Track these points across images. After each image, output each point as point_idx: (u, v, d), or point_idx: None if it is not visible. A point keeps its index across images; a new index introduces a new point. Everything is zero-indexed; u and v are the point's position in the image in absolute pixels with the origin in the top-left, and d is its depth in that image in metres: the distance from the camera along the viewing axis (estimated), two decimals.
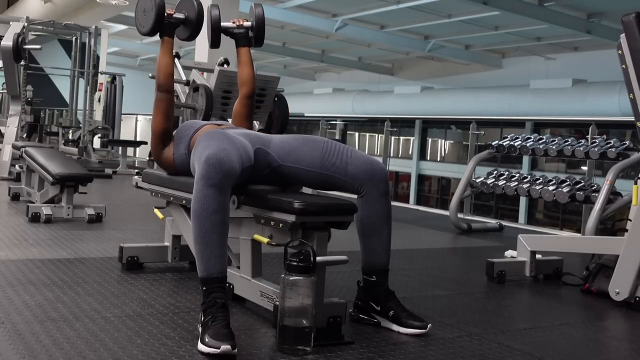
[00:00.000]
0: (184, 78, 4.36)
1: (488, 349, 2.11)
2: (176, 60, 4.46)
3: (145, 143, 9.81)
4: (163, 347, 1.90)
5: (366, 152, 2.37)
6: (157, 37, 2.65)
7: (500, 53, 19.67)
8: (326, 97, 23.81)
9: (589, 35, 14.50)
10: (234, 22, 2.83)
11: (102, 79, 11.12)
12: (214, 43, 2.81)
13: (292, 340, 1.91)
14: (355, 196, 2.26)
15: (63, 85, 12.33)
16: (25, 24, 7.68)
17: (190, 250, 2.76)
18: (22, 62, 7.67)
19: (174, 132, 2.62)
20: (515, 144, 4.93)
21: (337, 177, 2.23)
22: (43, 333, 1.96)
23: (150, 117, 6.94)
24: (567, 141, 4.74)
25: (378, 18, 16.17)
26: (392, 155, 11.62)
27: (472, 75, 20.16)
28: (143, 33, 2.63)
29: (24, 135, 8.42)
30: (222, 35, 2.83)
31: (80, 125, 9.95)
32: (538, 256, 3.35)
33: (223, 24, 2.78)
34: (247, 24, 2.81)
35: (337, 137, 19.95)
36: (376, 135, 22.64)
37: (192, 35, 2.74)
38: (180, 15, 2.67)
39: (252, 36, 2.81)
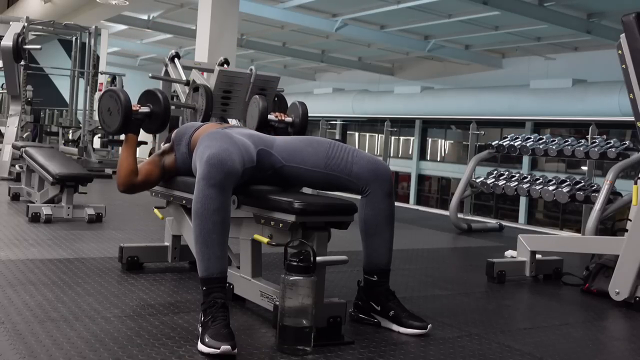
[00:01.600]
0: (184, 78, 4.36)
1: (488, 349, 2.11)
2: (176, 60, 4.46)
3: (145, 143, 9.81)
4: (163, 347, 1.90)
5: (368, 153, 2.37)
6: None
7: (500, 53, 19.66)
8: (326, 97, 23.78)
9: (589, 35, 14.48)
10: (276, 116, 2.86)
11: (102, 79, 11.11)
12: (259, 130, 2.83)
13: (292, 340, 1.91)
14: (356, 196, 2.26)
15: (63, 85, 12.32)
16: (25, 24, 7.67)
17: (190, 250, 2.76)
18: (22, 62, 7.66)
19: (172, 135, 2.62)
20: (515, 144, 4.93)
21: (342, 177, 2.23)
22: (43, 333, 1.96)
23: None
24: (567, 141, 4.74)
25: (378, 18, 16.15)
26: (392, 155, 11.62)
27: (472, 75, 20.14)
28: (109, 133, 2.61)
29: (36, 140, 8.39)
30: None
31: (80, 125, 9.94)
32: (538, 256, 3.35)
33: (269, 116, 2.82)
34: (289, 119, 2.86)
35: (337, 137, 19.92)
36: (376, 135, 22.64)
37: (160, 128, 2.65)
38: (146, 109, 2.58)
39: (292, 132, 2.85)
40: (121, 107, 2.46)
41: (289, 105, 4.37)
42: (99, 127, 10.05)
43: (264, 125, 2.81)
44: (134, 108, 2.53)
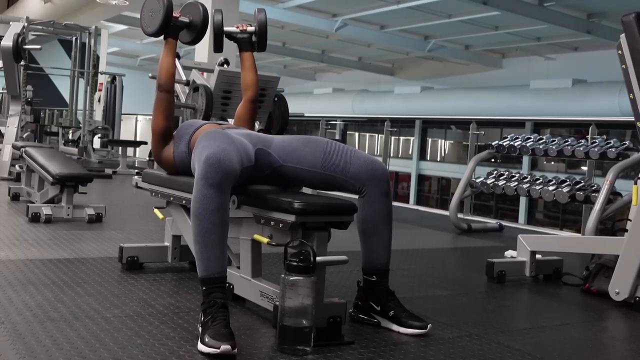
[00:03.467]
0: (184, 78, 4.36)
1: (488, 349, 2.11)
2: (176, 60, 4.46)
3: (145, 143, 9.80)
4: (163, 347, 1.90)
5: (366, 153, 2.36)
6: (158, 38, 2.66)
7: (500, 53, 19.67)
8: (326, 97, 23.80)
9: (589, 35, 14.50)
10: (237, 27, 2.84)
11: (102, 79, 11.12)
12: (217, 47, 2.83)
13: (292, 340, 1.91)
14: (355, 196, 2.26)
15: (63, 85, 12.32)
16: (25, 24, 7.68)
17: (190, 250, 2.76)
18: (22, 62, 7.66)
19: (174, 132, 2.62)
20: (515, 144, 4.93)
21: (338, 177, 2.23)
22: (43, 333, 1.96)
23: (151, 117, 6.95)
24: (567, 141, 4.74)
25: (378, 18, 16.17)
26: (392, 155, 11.61)
27: (472, 75, 20.15)
28: (148, 33, 2.65)
29: (36, 140, 8.38)
30: (225, 40, 2.85)
31: (80, 125, 9.94)
32: (538, 256, 3.35)
33: (226, 28, 2.81)
34: (251, 29, 2.83)
35: (337, 137, 19.91)
36: (376, 135, 22.64)
37: (196, 40, 2.75)
38: (185, 19, 2.69)
39: (255, 41, 2.82)
40: (164, 8, 2.54)
41: (289, 105, 4.37)
42: (99, 127, 10.06)
43: (221, 38, 2.79)
44: (174, 15, 2.61)
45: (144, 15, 2.66)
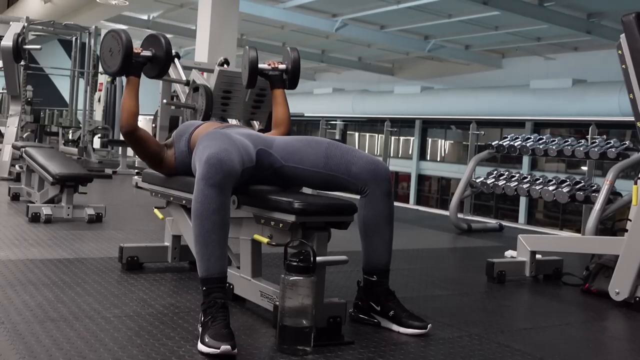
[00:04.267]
0: (184, 78, 4.36)
1: (488, 349, 2.11)
2: (176, 60, 4.46)
3: None
4: (163, 347, 1.90)
5: (367, 153, 2.37)
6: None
7: (500, 53, 19.66)
8: (326, 97, 23.79)
9: (589, 35, 14.49)
10: (269, 65, 2.83)
11: (102, 79, 11.11)
12: (250, 84, 2.80)
13: (292, 340, 1.91)
14: (355, 196, 2.26)
15: (63, 85, 12.33)
16: (25, 24, 7.68)
17: (190, 250, 2.76)
18: (22, 62, 7.66)
19: (173, 133, 2.62)
20: (515, 144, 4.93)
21: (340, 177, 2.23)
22: (43, 333, 1.96)
23: (151, 117, 6.95)
24: (567, 141, 4.74)
25: (378, 18, 16.16)
26: (392, 155, 11.61)
27: (472, 75, 20.14)
28: (110, 74, 2.59)
29: (36, 140, 8.37)
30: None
31: (80, 125, 9.94)
32: (538, 256, 3.35)
33: (259, 65, 2.78)
34: (282, 66, 2.81)
35: (337, 137, 19.90)
36: (376, 135, 22.63)
37: (161, 74, 2.67)
38: (148, 53, 2.59)
39: (287, 78, 2.81)
40: (122, 47, 2.46)
41: (289, 105, 4.37)
42: (99, 127, 10.06)
43: (255, 75, 2.78)
44: (135, 51, 2.54)
45: (103, 55, 2.57)
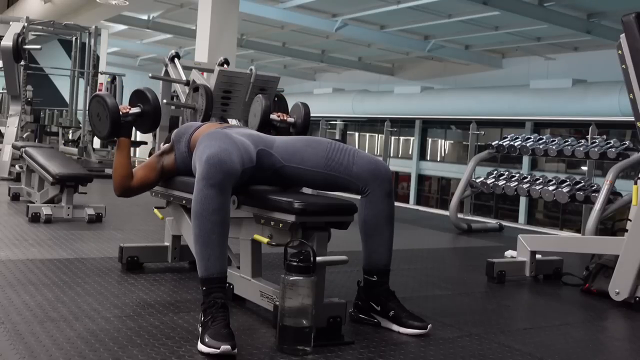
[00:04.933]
0: (183, 78, 4.36)
1: (488, 349, 2.11)
2: (176, 60, 4.46)
3: (145, 143, 9.81)
4: (163, 347, 1.90)
5: (368, 153, 2.37)
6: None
7: (500, 53, 19.66)
8: (326, 97, 23.78)
9: (589, 35, 14.48)
10: (278, 116, 2.85)
11: (102, 79, 11.11)
12: (262, 129, 2.83)
13: (292, 340, 1.91)
14: (355, 196, 2.26)
15: (63, 85, 12.31)
16: (25, 24, 7.67)
17: (190, 250, 2.76)
18: (22, 62, 7.66)
19: (172, 135, 2.62)
20: (515, 144, 4.93)
21: (341, 177, 2.23)
22: (43, 333, 1.96)
23: None
24: (567, 141, 4.74)
25: (378, 18, 16.15)
26: (392, 155, 11.61)
27: (472, 75, 20.14)
28: (102, 138, 2.59)
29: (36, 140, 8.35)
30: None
31: (80, 125, 9.94)
32: (538, 256, 3.35)
33: (271, 116, 2.81)
34: (291, 120, 2.86)
35: (337, 137, 19.93)
36: (376, 135, 22.63)
37: (152, 127, 2.67)
38: (136, 110, 2.57)
39: (294, 132, 2.84)
40: (108, 112, 2.45)
41: (289, 105, 4.38)
42: None
43: (266, 125, 2.81)
44: (123, 110, 2.51)
45: (92, 120, 2.56)
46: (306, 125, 2.83)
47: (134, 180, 2.54)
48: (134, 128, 2.62)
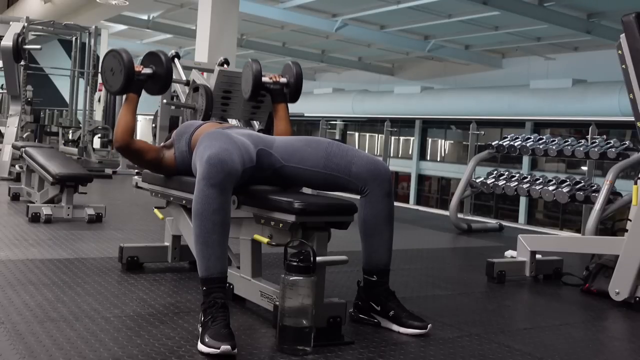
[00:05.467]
0: (183, 78, 4.36)
1: (488, 349, 2.11)
2: (176, 60, 4.46)
3: None
4: (163, 347, 1.90)
5: (368, 153, 2.37)
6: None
7: (500, 53, 19.66)
8: (326, 97, 23.78)
9: (589, 35, 14.49)
10: (270, 78, 2.83)
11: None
12: (253, 97, 2.81)
13: (292, 340, 1.91)
14: (355, 196, 2.26)
15: (63, 85, 12.32)
16: (25, 24, 7.67)
17: (190, 250, 2.76)
18: (22, 62, 7.66)
19: (173, 134, 2.62)
20: (515, 144, 4.93)
21: (341, 177, 2.23)
22: (43, 333, 1.96)
23: (151, 117, 6.93)
24: (567, 141, 4.74)
25: (378, 18, 16.16)
26: (392, 155, 11.60)
27: (472, 75, 20.14)
28: (112, 93, 2.60)
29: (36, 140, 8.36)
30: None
31: (80, 125, 9.94)
32: (538, 256, 3.35)
33: (263, 78, 2.78)
34: (283, 80, 2.82)
35: (337, 137, 19.92)
36: (376, 135, 22.63)
37: (162, 90, 2.71)
38: (148, 71, 2.61)
39: (288, 92, 2.81)
40: (124, 66, 2.48)
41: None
42: (99, 127, 10.07)
43: (258, 89, 2.78)
44: (136, 69, 2.55)
45: (104, 74, 2.58)
46: (299, 84, 2.80)
47: (136, 142, 2.56)
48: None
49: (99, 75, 10.70)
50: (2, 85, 8.94)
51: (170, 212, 2.85)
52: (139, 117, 15.46)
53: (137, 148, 2.56)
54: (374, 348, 2.03)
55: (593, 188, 4.37)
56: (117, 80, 2.51)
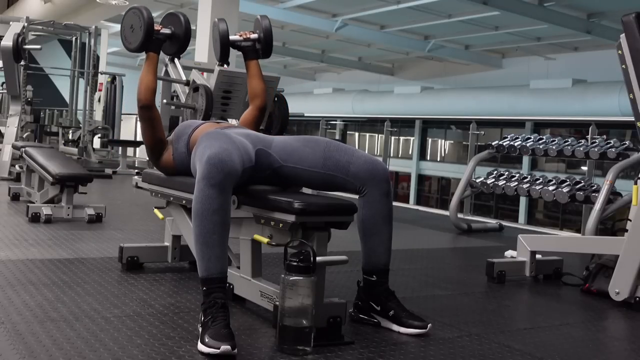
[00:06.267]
0: (183, 78, 4.36)
1: (488, 349, 2.11)
2: (176, 60, 4.46)
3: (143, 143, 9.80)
4: (163, 347, 1.90)
5: (366, 153, 2.37)
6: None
7: (500, 53, 19.67)
8: (326, 97, 23.80)
9: (589, 35, 14.50)
10: (240, 35, 2.82)
11: (102, 79, 11.11)
12: (223, 57, 2.80)
13: (292, 340, 1.91)
14: (355, 196, 2.26)
15: (63, 85, 12.32)
16: (25, 24, 7.68)
17: (190, 250, 2.76)
18: (22, 62, 7.66)
19: (172, 134, 2.62)
20: (515, 144, 4.93)
21: (339, 176, 2.23)
22: (43, 333, 1.96)
23: None
24: (567, 141, 4.74)
25: (378, 18, 16.17)
26: (392, 155, 11.61)
27: (472, 75, 20.15)
28: (130, 49, 2.60)
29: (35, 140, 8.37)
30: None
31: (80, 125, 9.94)
32: (538, 256, 3.35)
33: (231, 37, 2.77)
34: (254, 36, 2.80)
35: (337, 137, 19.91)
36: (376, 135, 22.63)
37: (179, 51, 2.72)
38: (167, 31, 2.64)
39: (260, 48, 2.80)
40: (144, 23, 2.50)
41: (288, 106, 4.37)
42: (99, 127, 10.07)
43: (227, 47, 2.77)
44: (156, 28, 2.57)
45: (124, 31, 2.61)
46: (269, 39, 2.78)
47: (156, 110, 2.58)
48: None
49: (99, 75, 10.72)
50: (2, 84, 8.93)
51: (170, 212, 2.85)
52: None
53: (156, 117, 2.58)
54: (374, 348, 2.03)
55: (593, 188, 4.37)
56: (137, 36, 2.54)
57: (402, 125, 21.33)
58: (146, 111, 2.54)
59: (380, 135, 19.12)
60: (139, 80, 2.57)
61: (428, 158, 22.00)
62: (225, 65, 4.30)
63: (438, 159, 21.99)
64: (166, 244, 2.98)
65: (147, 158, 2.76)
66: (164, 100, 4.31)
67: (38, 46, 7.71)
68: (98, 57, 11.00)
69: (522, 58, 18.95)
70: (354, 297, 2.32)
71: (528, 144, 4.86)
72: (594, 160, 4.77)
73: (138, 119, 2.57)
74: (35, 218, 4.12)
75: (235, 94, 4.18)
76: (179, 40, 2.66)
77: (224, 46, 2.74)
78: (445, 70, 21.20)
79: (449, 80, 20.90)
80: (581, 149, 4.54)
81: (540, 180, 4.66)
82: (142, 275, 2.82)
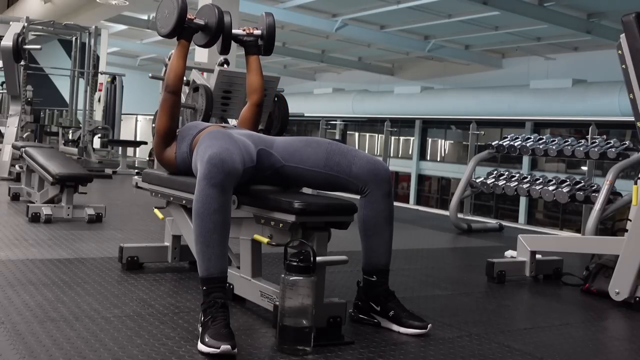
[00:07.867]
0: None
1: (488, 349, 2.11)
2: None
3: (145, 143, 9.82)
4: (163, 347, 1.90)
5: (367, 153, 2.37)
6: (157, 37, 2.65)
7: (500, 53, 19.67)
8: (326, 97, 23.80)
9: (589, 35, 14.50)
10: (244, 30, 2.82)
11: (102, 79, 11.11)
12: (224, 50, 2.81)
13: (292, 340, 1.91)
14: (356, 196, 2.26)
15: (63, 85, 12.32)
16: (25, 24, 7.68)
17: (190, 250, 2.76)
18: (22, 62, 7.67)
19: (177, 132, 2.62)
20: (515, 144, 4.93)
21: (341, 177, 2.23)
22: (43, 333, 1.96)
23: (151, 117, 6.93)
24: (567, 141, 4.74)
25: (378, 18, 16.17)
26: (392, 155, 11.60)
27: (472, 75, 20.16)
28: (162, 34, 2.63)
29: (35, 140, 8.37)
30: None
31: (80, 125, 9.94)
32: (538, 256, 3.35)
33: (234, 31, 2.78)
34: (257, 32, 2.81)
35: (337, 137, 19.92)
36: (376, 135, 22.63)
37: (210, 43, 2.73)
38: (201, 21, 2.66)
39: (262, 45, 2.81)
40: (177, 9, 2.52)
41: (288, 106, 4.37)
42: (99, 127, 10.07)
43: (229, 40, 2.78)
44: (189, 16, 2.59)
45: (159, 16, 2.64)
46: (271, 36, 2.80)
47: (180, 97, 2.62)
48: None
49: (99, 75, 10.71)
50: (2, 84, 8.93)
51: (170, 212, 2.85)
52: (139, 117, 15.47)
53: (179, 104, 2.61)
54: (374, 348, 2.03)
55: (593, 188, 4.37)
56: (170, 21, 2.56)
57: (402, 125, 21.33)
58: (172, 96, 2.56)
59: (380, 135, 19.12)
60: (169, 65, 2.60)
61: (428, 158, 22.00)
62: (225, 65, 4.32)
63: (438, 159, 21.99)
64: (166, 244, 2.98)
65: (149, 153, 2.76)
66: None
67: (38, 46, 7.70)
68: (98, 57, 10.99)
69: (522, 58, 18.96)
70: (354, 297, 2.32)
71: (528, 144, 4.86)
72: (594, 160, 4.77)
73: (160, 103, 2.57)
74: (35, 218, 4.12)
75: (235, 94, 4.18)
76: (210, 32, 2.68)
77: (225, 39, 2.75)
78: (445, 70, 21.21)
79: (449, 80, 20.91)
80: (581, 149, 4.54)
81: (540, 180, 4.66)
82: (142, 275, 2.82)
